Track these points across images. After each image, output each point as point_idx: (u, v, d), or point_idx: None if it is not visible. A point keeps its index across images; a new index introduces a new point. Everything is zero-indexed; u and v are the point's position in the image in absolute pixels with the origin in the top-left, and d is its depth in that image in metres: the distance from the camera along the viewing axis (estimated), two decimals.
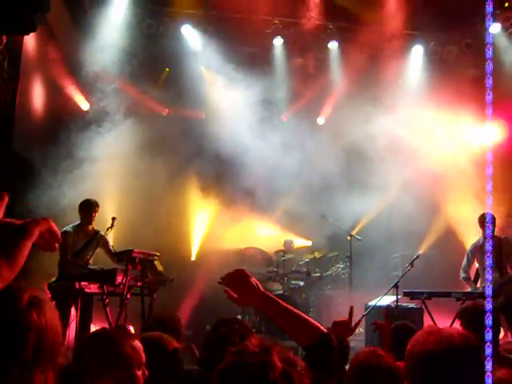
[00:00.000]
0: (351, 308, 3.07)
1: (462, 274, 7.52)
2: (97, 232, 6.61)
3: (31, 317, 1.39)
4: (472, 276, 7.57)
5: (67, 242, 6.41)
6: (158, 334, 2.90)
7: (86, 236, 6.58)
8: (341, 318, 3.06)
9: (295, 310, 2.07)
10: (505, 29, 9.71)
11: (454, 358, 1.86)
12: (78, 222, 6.73)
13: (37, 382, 1.38)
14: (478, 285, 7.39)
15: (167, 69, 10.56)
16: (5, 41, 7.60)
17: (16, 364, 1.35)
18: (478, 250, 7.33)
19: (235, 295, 2.03)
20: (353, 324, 3.05)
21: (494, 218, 6.80)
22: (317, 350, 1.99)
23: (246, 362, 1.44)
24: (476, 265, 7.51)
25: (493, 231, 6.78)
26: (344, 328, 2.99)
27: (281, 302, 2.05)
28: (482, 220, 7.12)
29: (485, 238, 7.02)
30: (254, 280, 2.05)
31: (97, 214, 6.71)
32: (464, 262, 7.57)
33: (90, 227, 6.70)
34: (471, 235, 8.53)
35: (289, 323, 2.05)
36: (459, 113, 9.69)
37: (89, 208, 6.66)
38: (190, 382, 2.86)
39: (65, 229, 6.56)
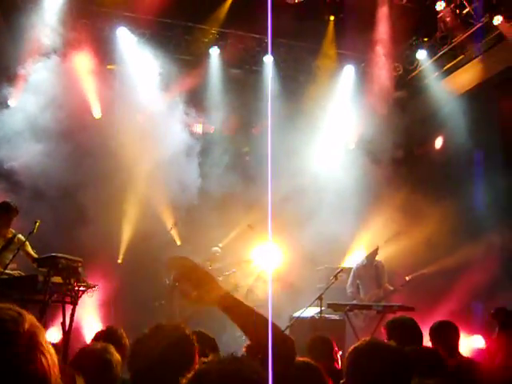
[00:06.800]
0: None
1: (350, 289, 8.56)
2: (14, 235, 6.16)
3: None
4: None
5: None
6: (103, 346, 2.88)
7: (4, 239, 6.12)
8: None
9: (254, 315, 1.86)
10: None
11: None
12: None
13: None
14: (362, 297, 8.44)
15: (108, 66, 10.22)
16: None
17: None
18: (362, 270, 8.54)
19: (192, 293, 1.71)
20: None
21: (377, 248, 8.49)
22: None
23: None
24: (357, 281, 8.56)
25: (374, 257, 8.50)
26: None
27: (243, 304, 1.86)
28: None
29: (367, 261, 8.53)
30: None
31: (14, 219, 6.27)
32: (350, 279, 8.59)
33: (8, 230, 6.21)
34: None
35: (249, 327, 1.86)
36: None
37: (8, 211, 6.25)
38: None
39: None
